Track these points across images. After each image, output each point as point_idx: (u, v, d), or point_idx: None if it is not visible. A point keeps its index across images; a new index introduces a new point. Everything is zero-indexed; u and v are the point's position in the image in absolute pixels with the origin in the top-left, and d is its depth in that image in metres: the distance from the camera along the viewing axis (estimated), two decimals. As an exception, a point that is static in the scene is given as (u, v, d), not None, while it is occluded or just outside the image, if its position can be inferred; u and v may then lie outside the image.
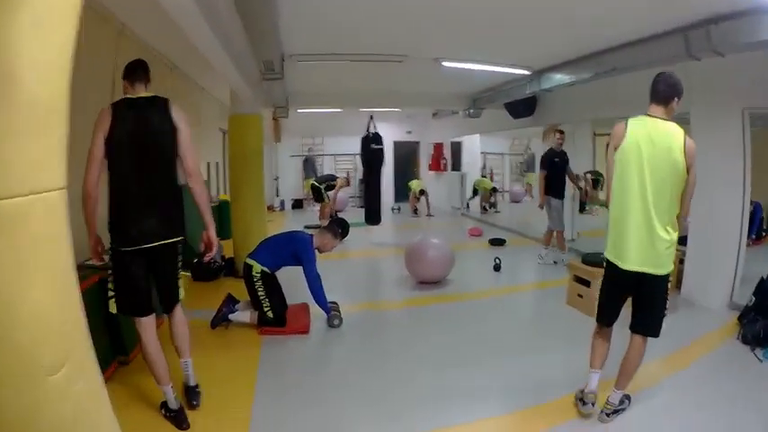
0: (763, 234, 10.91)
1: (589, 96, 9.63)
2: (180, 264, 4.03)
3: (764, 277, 6.30)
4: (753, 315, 5.87)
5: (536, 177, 12.67)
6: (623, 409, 4.16)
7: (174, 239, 3.84)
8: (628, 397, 4.22)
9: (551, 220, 9.45)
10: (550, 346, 5.78)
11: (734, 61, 5.90)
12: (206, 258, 4.19)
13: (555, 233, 9.54)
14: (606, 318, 4.19)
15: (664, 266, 3.81)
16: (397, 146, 20.41)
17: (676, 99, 3.82)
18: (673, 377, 4.93)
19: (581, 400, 4.16)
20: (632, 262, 3.84)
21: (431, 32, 6.98)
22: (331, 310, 6.21)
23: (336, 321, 6.17)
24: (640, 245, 3.80)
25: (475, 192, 18.00)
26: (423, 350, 5.64)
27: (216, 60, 5.67)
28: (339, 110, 15.24)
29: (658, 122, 3.79)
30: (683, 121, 6.48)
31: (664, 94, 3.82)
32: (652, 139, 3.75)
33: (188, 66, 8.71)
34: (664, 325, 3.99)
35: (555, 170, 9.32)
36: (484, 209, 17.61)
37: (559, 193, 9.41)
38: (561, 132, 9.45)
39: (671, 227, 3.78)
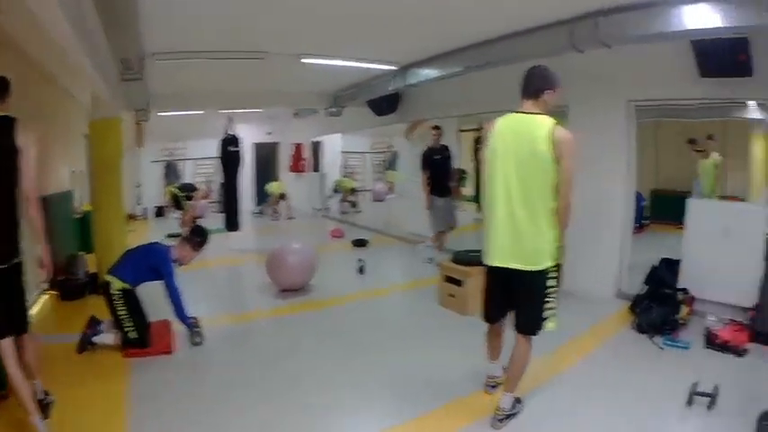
0: (645, 223, 11.40)
1: (455, 92, 9.44)
2: (25, 285, 3.81)
3: (656, 265, 6.48)
4: (647, 303, 5.98)
5: (398, 175, 12.59)
6: (516, 414, 4.06)
7: (15, 261, 3.63)
8: (519, 400, 4.12)
9: (435, 220, 9.26)
10: (431, 349, 5.63)
11: (619, 54, 5.90)
12: (44, 280, 3.88)
13: (439, 233, 9.34)
14: (490, 315, 4.20)
15: (536, 262, 3.73)
16: (258, 147, 19.63)
17: (548, 91, 3.80)
18: (570, 371, 4.93)
19: (487, 385, 4.39)
20: (498, 258, 3.84)
21: (292, 27, 6.60)
22: (192, 326, 5.75)
23: (198, 339, 5.71)
24: (505, 241, 3.78)
25: (336, 192, 17.87)
26: (298, 363, 5.32)
27: (73, 55, 5.02)
28: (201, 112, 14.58)
29: (525, 117, 3.77)
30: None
31: (533, 88, 3.80)
32: (516, 133, 3.75)
33: (53, 67, 7.87)
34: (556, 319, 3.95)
35: (436, 168, 9.11)
36: (346, 208, 17.43)
37: (443, 191, 9.16)
38: (436, 128, 9.29)
39: (544, 221, 3.71)
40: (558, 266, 3.87)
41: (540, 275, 3.78)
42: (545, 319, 3.88)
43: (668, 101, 7.31)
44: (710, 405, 4.15)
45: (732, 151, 11.49)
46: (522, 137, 3.70)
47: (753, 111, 9.66)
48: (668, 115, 10.44)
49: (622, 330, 5.92)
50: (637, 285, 6.50)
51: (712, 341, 5.38)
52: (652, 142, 12.39)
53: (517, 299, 3.95)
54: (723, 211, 6.77)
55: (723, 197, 9.85)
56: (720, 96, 6.44)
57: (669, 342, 5.48)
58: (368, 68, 9.13)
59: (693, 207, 6.64)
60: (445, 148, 9.25)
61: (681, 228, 6.67)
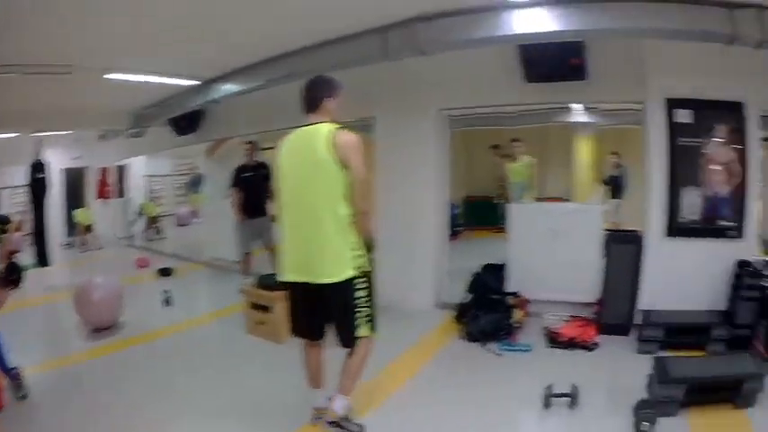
0: (458, 230, 11.51)
1: (257, 107, 9.04)
2: None
3: (478, 272, 6.51)
4: (473, 312, 5.94)
5: (202, 198, 12.13)
6: (350, 428, 3.90)
7: None
8: (360, 427, 3.94)
9: (242, 241, 8.61)
10: (249, 381, 5.20)
11: (430, 62, 5.78)
12: None
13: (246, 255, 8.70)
14: (302, 334, 4.02)
15: (334, 274, 3.62)
16: (67, 173, 17.97)
17: (327, 99, 3.80)
18: (404, 391, 4.75)
19: (314, 418, 4.06)
20: (293, 273, 3.78)
21: (96, 38, 5.94)
22: (15, 377, 4.96)
23: (23, 392, 4.91)
24: (299, 255, 3.73)
25: (141, 216, 16.99)
26: (122, 408, 4.74)
27: None
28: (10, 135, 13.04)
29: (308, 129, 3.73)
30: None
31: (311, 98, 3.81)
32: (299, 146, 3.75)
33: None
34: (380, 333, 3.92)
35: (248, 186, 8.43)
36: (151, 235, 16.65)
37: (256, 211, 8.48)
38: (250, 143, 8.71)
39: (337, 230, 3.62)
40: (367, 275, 3.75)
41: (344, 287, 3.66)
42: (358, 326, 3.76)
43: (486, 108, 7.43)
44: (572, 404, 4.21)
45: (553, 154, 11.95)
46: (304, 149, 3.68)
47: (577, 114, 10.03)
48: (488, 123, 10.69)
49: (451, 342, 5.86)
50: (458, 294, 6.47)
51: (555, 340, 5.54)
52: (465, 150, 12.65)
53: (326, 313, 3.84)
54: (552, 212, 6.97)
55: (541, 199, 10.18)
56: (550, 101, 6.74)
57: (507, 347, 5.52)
58: (170, 84, 8.50)
59: (515, 211, 6.78)
60: (261, 165, 8.50)
61: (494, 232, 6.71)
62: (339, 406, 3.85)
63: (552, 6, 4.73)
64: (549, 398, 4.22)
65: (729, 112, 5.83)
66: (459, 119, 7.38)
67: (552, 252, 6.36)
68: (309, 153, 3.61)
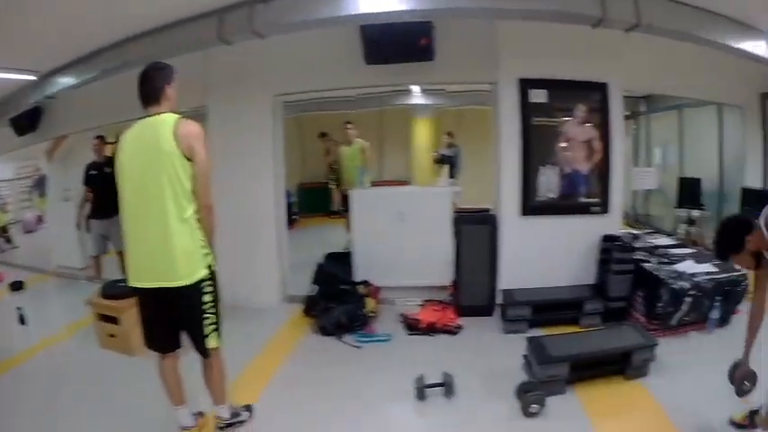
0: (295, 218, 11.19)
1: (96, 101, 8.09)
2: None
3: (321, 263, 6.22)
4: (324, 304, 5.66)
5: (48, 201, 11.43)
6: (244, 421, 3.80)
7: None
8: (248, 407, 3.90)
9: (92, 243, 7.87)
10: (117, 401, 4.49)
11: (265, 46, 5.46)
12: None
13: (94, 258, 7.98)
14: (157, 346, 3.58)
15: (182, 276, 3.29)
16: None
17: (167, 86, 3.44)
18: (267, 395, 4.33)
19: None
20: (140, 278, 3.38)
21: None
22: None
23: None
24: (145, 258, 3.36)
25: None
26: None
27: None
28: None
29: (150, 120, 3.36)
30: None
31: (151, 88, 3.42)
32: (141, 139, 3.36)
33: None
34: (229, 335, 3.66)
35: (97, 184, 7.58)
36: (2, 246, 15.32)
37: (106, 212, 7.44)
38: (97, 138, 7.84)
39: (183, 228, 3.30)
40: (212, 276, 3.45)
41: (193, 290, 3.34)
42: (208, 335, 3.45)
43: (323, 92, 7.38)
44: (447, 393, 4.09)
45: (392, 137, 11.92)
46: (146, 141, 3.30)
47: (416, 97, 9.98)
48: (323, 108, 10.58)
49: (304, 337, 5.48)
50: (304, 286, 6.15)
51: (414, 326, 5.40)
52: (297, 136, 12.48)
53: (178, 320, 3.48)
54: (397, 196, 6.83)
55: (380, 182, 10.08)
56: (396, 83, 6.61)
57: (365, 338, 5.25)
58: (8, 80, 7.81)
59: (357, 197, 6.53)
60: (110, 161, 7.87)
61: (330, 218, 6.52)
62: (224, 412, 3.68)
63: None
64: (422, 389, 4.06)
65: (590, 92, 5.96)
66: (293, 104, 7.12)
67: (400, 237, 6.23)
68: (153, 146, 3.26)
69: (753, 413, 3.69)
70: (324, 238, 7.58)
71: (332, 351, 5.12)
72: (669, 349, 4.77)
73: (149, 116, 3.36)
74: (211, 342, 3.47)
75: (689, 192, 9.08)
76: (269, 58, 6.13)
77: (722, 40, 5.61)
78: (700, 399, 4.15)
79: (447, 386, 4.07)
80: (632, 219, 9.36)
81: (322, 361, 4.92)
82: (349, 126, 9.06)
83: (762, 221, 3.11)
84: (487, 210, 6.49)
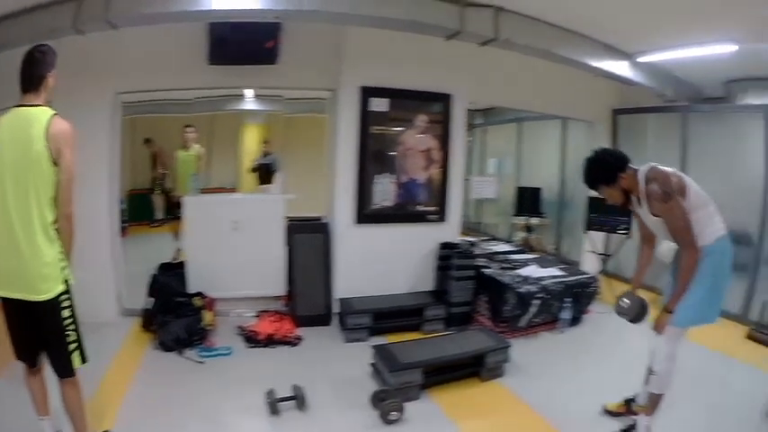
0: (125, 226, 10.54)
1: None
2: None
3: (156, 275, 5.80)
4: (162, 318, 5.24)
5: None
6: None
7: None
8: None
9: None
10: None
11: (109, 39, 5.03)
12: None
13: None
14: (23, 356, 3.19)
15: (41, 290, 2.97)
16: None
17: (48, 74, 3.09)
18: (123, 421, 3.89)
19: None
20: (3, 286, 3.00)
21: None
22: None
23: None
24: (8, 264, 2.98)
25: None
26: None
27: None
28: None
29: (24, 111, 3.00)
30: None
31: (30, 74, 3.04)
32: (13, 131, 2.98)
33: None
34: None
35: None
36: None
37: None
38: None
39: (44, 238, 2.99)
40: (69, 291, 3.11)
41: (51, 306, 3.00)
42: (71, 354, 3.11)
43: (164, 93, 6.98)
44: (300, 406, 3.98)
45: (220, 143, 11.56)
46: (18, 136, 2.94)
47: (248, 102, 9.74)
48: (159, 111, 10.05)
49: (146, 355, 5.03)
50: (140, 299, 5.71)
51: (254, 339, 5.23)
52: (127, 140, 11.95)
53: (39, 335, 3.10)
54: (231, 203, 6.63)
55: (208, 190, 9.71)
56: (236, 85, 6.50)
57: (206, 353, 4.94)
58: None
59: (191, 204, 6.14)
60: None
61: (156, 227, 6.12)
62: None
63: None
64: (274, 403, 3.90)
65: (433, 102, 6.06)
66: (128, 105, 6.66)
67: (233, 246, 5.99)
68: (24, 143, 2.92)
69: (628, 401, 4.07)
70: (156, 247, 7.07)
71: (177, 368, 4.78)
72: (522, 350, 5.02)
73: (24, 105, 3.02)
74: (75, 361, 3.15)
75: (529, 200, 9.49)
76: (112, 53, 5.61)
77: (582, 59, 5.92)
78: (563, 393, 4.45)
79: (299, 399, 3.97)
80: (465, 227, 9.56)
81: (170, 379, 4.58)
82: (188, 130, 8.61)
83: (641, 175, 3.49)
84: (319, 218, 6.41)
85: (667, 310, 3.56)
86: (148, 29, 5.06)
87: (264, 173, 10.21)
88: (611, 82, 7.16)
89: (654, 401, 3.72)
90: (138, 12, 4.57)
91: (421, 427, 3.87)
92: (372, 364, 4.53)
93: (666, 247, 3.97)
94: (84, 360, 3.19)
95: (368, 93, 5.74)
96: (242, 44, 5.35)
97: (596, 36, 6.00)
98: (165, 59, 5.74)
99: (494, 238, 9.05)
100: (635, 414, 3.91)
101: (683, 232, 3.43)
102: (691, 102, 7.51)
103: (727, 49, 5.59)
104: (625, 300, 3.85)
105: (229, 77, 5.89)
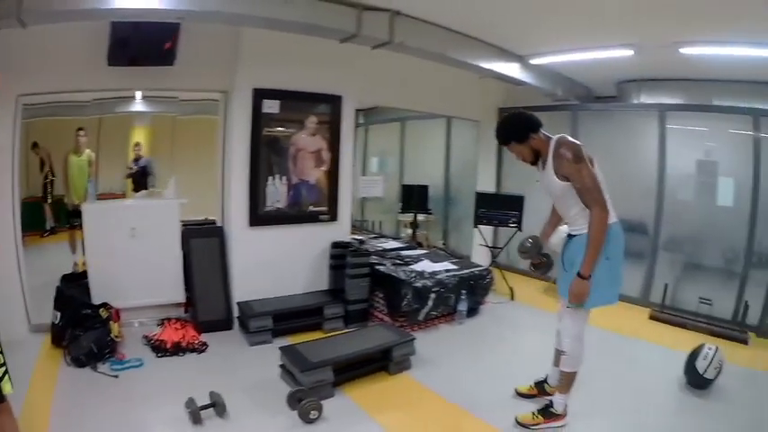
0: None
1: None
2: None
3: (60, 287, 5.61)
4: (72, 332, 5.07)
5: None
6: None
7: None
8: None
9: None
10: None
11: (10, 39, 4.87)
12: None
13: None
14: None
15: None
16: None
17: None
18: None
19: None
20: None
21: None
22: None
23: None
24: None
25: None
26: None
27: None
28: None
29: None
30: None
31: None
32: None
33: None
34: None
35: None
36: None
37: None
38: None
39: None
40: None
41: None
42: (1, 380, 2.94)
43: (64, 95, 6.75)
44: (220, 412, 4.01)
45: (108, 147, 11.23)
46: None
47: (137, 104, 9.54)
48: (55, 114, 9.39)
49: (60, 372, 4.83)
50: (47, 313, 5.47)
51: (162, 348, 5.18)
52: (25, 145, 11.43)
53: None
54: (128, 209, 6.36)
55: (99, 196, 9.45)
56: (134, 87, 6.52)
57: (118, 366, 4.85)
58: None
59: (90, 212, 5.93)
60: None
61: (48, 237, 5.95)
62: None
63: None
64: (196, 412, 3.90)
65: (323, 104, 6.23)
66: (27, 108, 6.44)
67: (132, 254, 5.86)
68: None
69: (539, 383, 4.41)
70: (51, 258, 6.87)
71: (94, 384, 4.64)
72: (424, 343, 5.29)
73: None
74: (6, 387, 2.97)
75: (416, 198, 9.71)
76: (13, 54, 5.33)
77: (474, 62, 6.25)
78: (469, 380, 4.80)
79: (219, 405, 4.01)
80: (352, 225, 9.77)
81: (90, 396, 4.42)
82: (81, 133, 8.30)
83: (553, 142, 3.71)
84: (213, 221, 6.47)
85: (582, 276, 3.68)
86: (50, 30, 4.88)
87: (139, 178, 9.94)
88: (498, 82, 7.54)
89: (568, 380, 3.95)
90: (49, 9, 4.35)
91: (341, 423, 4.01)
92: (282, 366, 4.65)
93: (557, 238, 4.17)
94: (10, 384, 3.01)
95: (260, 94, 5.82)
96: (142, 45, 5.28)
97: (489, 39, 6.35)
98: (66, 61, 5.50)
99: (381, 236, 9.32)
100: (548, 395, 4.19)
101: (592, 191, 3.58)
102: (582, 101, 8.14)
103: (623, 53, 6.08)
104: (529, 240, 4.21)
105: (127, 79, 5.74)
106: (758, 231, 6.61)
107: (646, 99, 7.75)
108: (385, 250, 7.16)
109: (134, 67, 5.53)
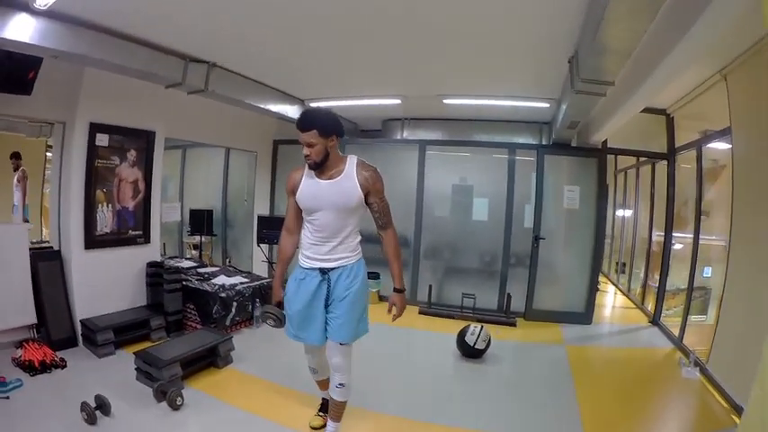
0: None
1: None
2: None
3: None
4: None
5: None
6: None
7: None
8: None
9: None
10: None
11: None
12: None
13: None
14: None
15: None
16: None
17: None
18: None
19: None
20: None
21: None
22: None
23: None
24: None
25: None
26: None
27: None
28: None
29: None
30: None
31: None
32: None
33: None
34: None
35: None
36: None
37: None
38: None
39: None
40: None
41: None
42: None
43: None
44: (107, 412, 4.46)
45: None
46: None
47: None
48: None
49: None
50: None
51: (33, 367, 5.35)
52: None
53: None
54: None
55: None
56: None
57: (3, 388, 4.92)
58: None
59: None
60: None
61: None
62: None
63: (54, 20, 4.75)
64: (92, 413, 4.31)
65: (141, 138, 6.91)
66: None
67: None
68: None
69: (323, 408, 4.63)
70: None
71: None
72: (235, 342, 6.14)
73: None
74: None
75: (201, 221, 10.44)
76: None
77: (265, 106, 7.68)
78: (277, 366, 5.93)
79: (105, 406, 4.47)
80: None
81: None
82: None
83: (352, 158, 3.76)
84: (49, 246, 6.61)
85: (398, 290, 3.94)
86: None
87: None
88: (274, 118, 8.84)
89: (342, 409, 4.09)
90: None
91: (201, 407, 4.80)
92: (137, 369, 5.24)
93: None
94: None
95: (95, 128, 6.24)
96: (10, 72, 5.34)
97: (279, 86, 7.69)
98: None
99: (176, 256, 9.93)
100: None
101: (390, 213, 3.81)
102: (350, 135, 9.81)
103: (392, 101, 7.99)
104: (271, 314, 4.06)
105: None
106: (513, 238, 8.73)
107: (409, 135, 9.60)
108: (185, 268, 7.87)
109: None
